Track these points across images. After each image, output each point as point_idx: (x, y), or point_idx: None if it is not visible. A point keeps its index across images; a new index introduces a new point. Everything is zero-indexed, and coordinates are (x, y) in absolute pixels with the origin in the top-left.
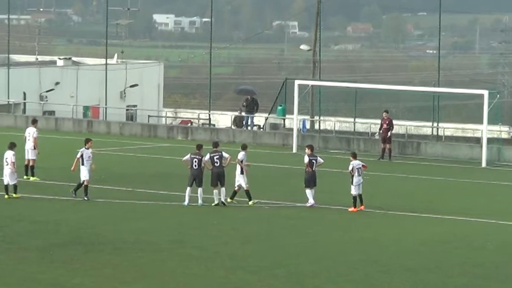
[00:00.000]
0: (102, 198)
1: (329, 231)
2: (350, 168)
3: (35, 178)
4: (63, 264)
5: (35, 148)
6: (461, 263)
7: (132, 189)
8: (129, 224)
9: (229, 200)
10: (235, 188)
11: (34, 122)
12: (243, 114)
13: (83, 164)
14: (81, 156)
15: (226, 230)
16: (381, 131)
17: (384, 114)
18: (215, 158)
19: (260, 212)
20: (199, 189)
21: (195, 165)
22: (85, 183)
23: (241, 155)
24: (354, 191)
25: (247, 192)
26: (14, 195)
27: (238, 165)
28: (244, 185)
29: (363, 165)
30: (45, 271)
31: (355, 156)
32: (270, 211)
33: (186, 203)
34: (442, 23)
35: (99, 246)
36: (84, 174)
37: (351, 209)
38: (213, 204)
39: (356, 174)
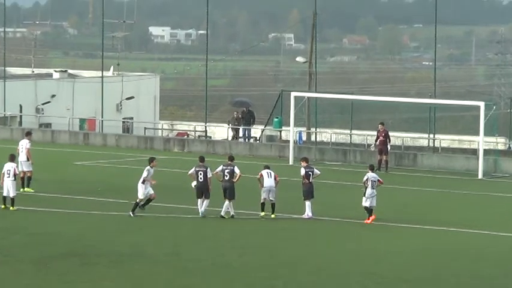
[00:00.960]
0: (98, 210)
1: (326, 242)
2: (364, 179)
3: (29, 189)
4: (59, 276)
5: (28, 160)
6: (458, 275)
7: (128, 201)
8: (125, 236)
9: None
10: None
11: (28, 134)
12: (239, 126)
13: (143, 182)
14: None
15: (223, 242)
16: (377, 143)
17: (380, 126)
18: (226, 171)
19: (256, 223)
20: (206, 201)
21: (201, 178)
22: (138, 199)
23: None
24: (365, 202)
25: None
26: (11, 208)
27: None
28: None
29: (378, 180)
30: (40, 283)
31: (372, 169)
32: (267, 223)
33: (201, 214)
34: (438, 35)
35: (95, 258)
36: (143, 192)
37: (366, 220)
38: (225, 216)
39: (370, 186)
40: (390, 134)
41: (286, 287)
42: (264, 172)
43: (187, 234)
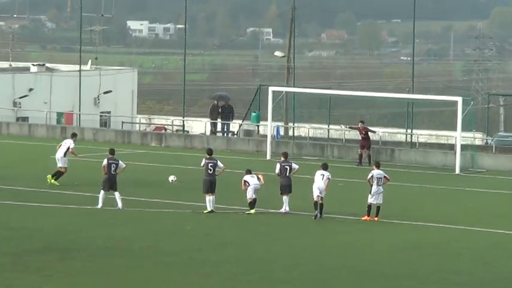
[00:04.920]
0: (75, 204)
1: (303, 237)
2: (369, 176)
3: (55, 182)
4: (37, 271)
5: (65, 155)
6: (436, 270)
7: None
8: (103, 230)
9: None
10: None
11: (73, 135)
12: (218, 121)
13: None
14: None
15: (200, 236)
16: (354, 129)
17: (360, 124)
18: (209, 165)
19: (234, 218)
20: (213, 197)
21: (210, 170)
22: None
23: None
24: (370, 199)
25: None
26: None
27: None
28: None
29: (385, 177)
30: (18, 277)
31: (378, 166)
32: (244, 217)
33: (209, 208)
34: (416, 30)
35: (73, 253)
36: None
37: (364, 217)
38: (205, 212)
39: (375, 183)
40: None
41: (262, 282)
42: (247, 177)
43: (164, 228)
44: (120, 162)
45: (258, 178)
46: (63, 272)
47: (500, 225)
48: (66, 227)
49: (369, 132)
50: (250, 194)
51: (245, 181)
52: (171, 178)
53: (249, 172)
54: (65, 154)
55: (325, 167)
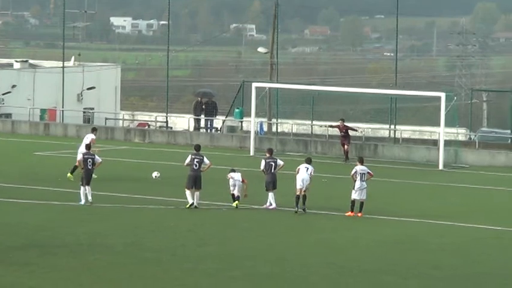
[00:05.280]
0: (58, 200)
1: (286, 233)
2: (353, 172)
3: (70, 176)
4: (20, 267)
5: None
6: (417, 265)
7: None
8: (86, 226)
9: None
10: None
11: (94, 130)
12: (202, 117)
13: None
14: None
15: (183, 232)
16: (334, 128)
17: (340, 122)
18: (195, 160)
19: (217, 214)
20: (198, 193)
21: (196, 166)
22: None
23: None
24: (353, 195)
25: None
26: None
27: None
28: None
29: (368, 173)
30: (2, 274)
31: (361, 161)
32: (227, 213)
33: (190, 203)
34: (400, 26)
35: (55, 249)
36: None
37: (348, 213)
38: (187, 206)
39: (359, 179)
40: (351, 124)
41: (245, 278)
42: (232, 173)
43: (147, 224)
44: (96, 157)
45: (243, 181)
46: (46, 267)
47: (482, 220)
48: (49, 223)
49: (349, 130)
50: (232, 189)
51: (231, 176)
52: (155, 174)
53: (232, 171)
54: (87, 148)
55: (308, 161)
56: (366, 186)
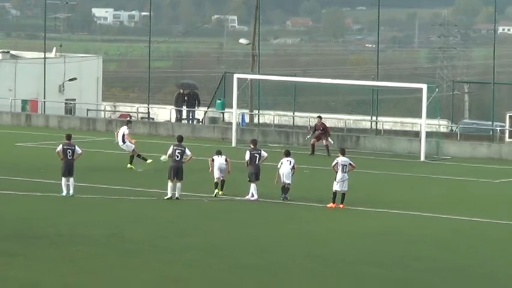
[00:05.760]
0: (40, 191)
1: (268, 224)
2: (334, 163)
3: (131, 166)
4: (1, 257)
5: (124, 142)
6: (400, 257)
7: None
8: (67, 217)
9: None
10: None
11: (128, 122)
12: (184, 108)
13: None
14: None
15: (163, 224)
16: (314, 134)
17: (317, 120)
18: (177, 151)
19: (198, 205)
20: (179, 184)
21: (177, 157)
22: None
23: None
24: (335, 186)
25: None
26: None
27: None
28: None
29: (350, 164)
30: None
31: (343, 153)
32: (208, 204)
33: (169, 196)
34: (381, 18)
35: (37, 240)
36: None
37: (330, 204)
38: (165, 198)
39: (340, 170)
40: (333, 116)
41: (226, 269)
42: (215, 157)
43: (128, 215)
44: (76, 147)
45: (226, 160)
46: (27, 258)
47: (464, 212)
48: (30, 214)
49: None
50: (217, 174)
51: (212, 159)
52: (163, 157)
53: (218, 153)
54: (123, 140)
55: (287, 154)
56: (347, 177)
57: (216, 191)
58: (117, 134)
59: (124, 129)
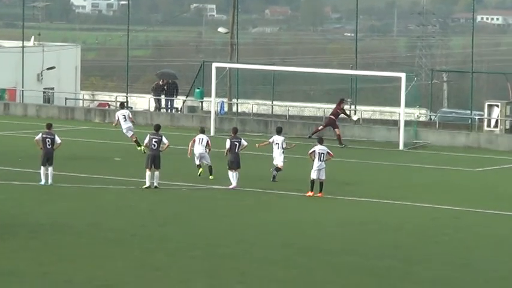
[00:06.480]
0: (18, 180)
1: (247, 213)
2: (311, 151)
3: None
4: None
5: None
6: (379, 246)
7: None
8: (46, 206)
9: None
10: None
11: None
12: (162, 97)
13: None
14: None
15: (143, 213)
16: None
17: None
18: (153, 140)
19: (178, 194)
20: (157, 172)
21: (154, 146)
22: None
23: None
24: (312, 174)
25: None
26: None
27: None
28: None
29: (328, 153)
30: None
31: (321, 142)
32: (188, 193)
33: (148, 184)
34: (360, 6)
35: (16, 229)
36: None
37: (308, 193)
38: (143, 187)
39: (317, 158)
40: (312, 104)
41: (206, 258)
42: (197, 138)
43: (107, 204)
44: (56, 137)
45: (208, 144)
46: (6, 247)
47: (443, 200)
48: (9, 203)
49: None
50: (197, 161)
51: (194, 140)
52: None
53: (202, 132)
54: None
55: (279, 131)
56: (324, 166)
57: (201, 170)
58: (117, 121)
59: (124, 112)
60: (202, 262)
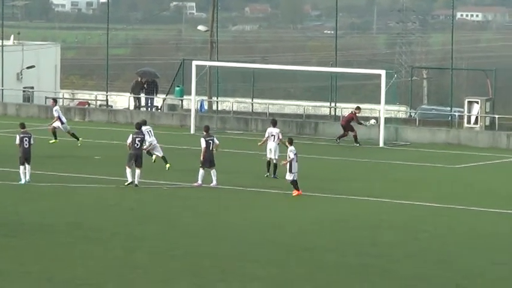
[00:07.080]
0: None
1: (227, 212)
2: (266, 135)
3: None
4: None
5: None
6: (357, 243)
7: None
8: (26, 205)
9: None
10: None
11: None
12: (142, 95)
13: None
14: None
15: (124, 211)
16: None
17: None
18: (137, 139)
19: (158, 192)
20: (139, 170)
21: (137, 145)
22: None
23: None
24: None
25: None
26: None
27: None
28: None
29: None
30: None
31: (291, 142)
32: (168, 192)
33: (129, 181)
34: (340, 4)
35: None
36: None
37: (295, 193)
38: (126, 184)
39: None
40: (292, 102)
41: (187, 256)
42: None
43: (88, 203)
44: (31, 135)
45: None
46: None
47: (423, 197)
48: None
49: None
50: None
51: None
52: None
53: (144, 123)
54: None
55: (274, 123)
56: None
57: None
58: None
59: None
60: (183, 261)
